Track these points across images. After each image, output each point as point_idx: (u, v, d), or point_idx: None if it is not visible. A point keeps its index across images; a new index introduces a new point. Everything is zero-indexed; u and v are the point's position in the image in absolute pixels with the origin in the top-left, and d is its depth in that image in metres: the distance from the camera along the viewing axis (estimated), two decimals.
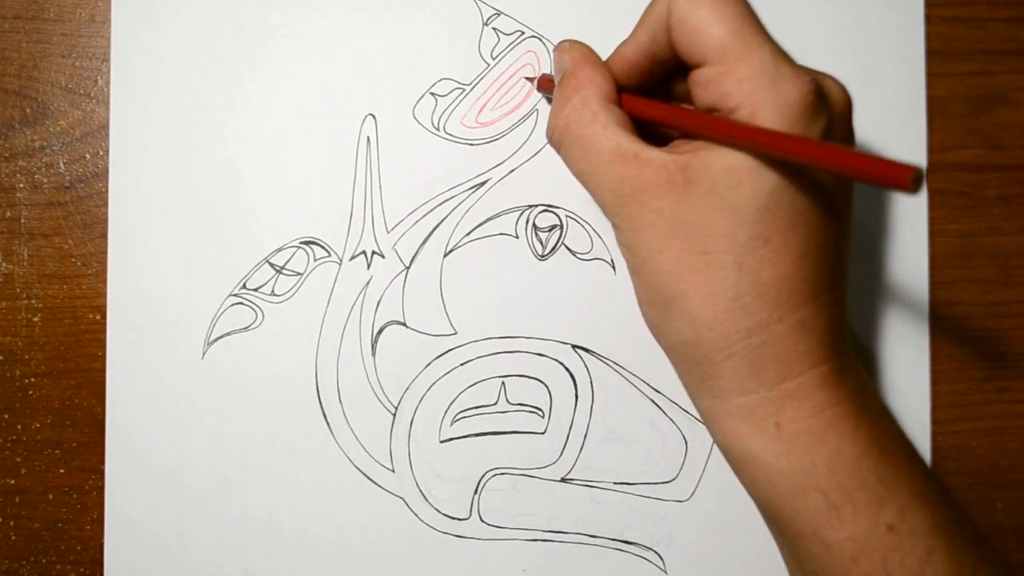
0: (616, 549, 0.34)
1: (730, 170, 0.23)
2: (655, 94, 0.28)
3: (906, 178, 0.19)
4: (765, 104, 0.23)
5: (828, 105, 0.25)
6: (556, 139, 0.27)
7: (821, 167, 0.21)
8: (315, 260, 0.33)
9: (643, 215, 0.25)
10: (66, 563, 0.33)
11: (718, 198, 0.24)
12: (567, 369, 0.34)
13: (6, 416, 0.34)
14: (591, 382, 0.34)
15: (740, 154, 0.23)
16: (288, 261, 0.33)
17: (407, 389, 0.33)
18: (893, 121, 0.34)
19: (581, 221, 0.34)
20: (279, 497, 0.33)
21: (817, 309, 0.24)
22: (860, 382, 0.26)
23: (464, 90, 0.34)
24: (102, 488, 0.33)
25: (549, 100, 0.33)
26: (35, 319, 0.33)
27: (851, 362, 0.26)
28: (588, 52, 0.28)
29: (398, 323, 0.34)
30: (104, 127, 0.33)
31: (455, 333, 0.34)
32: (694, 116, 0.25)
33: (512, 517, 0.33)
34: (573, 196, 0.34)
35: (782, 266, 0.24)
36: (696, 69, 0.25)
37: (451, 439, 0.33)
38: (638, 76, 0.27)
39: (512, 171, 0.34)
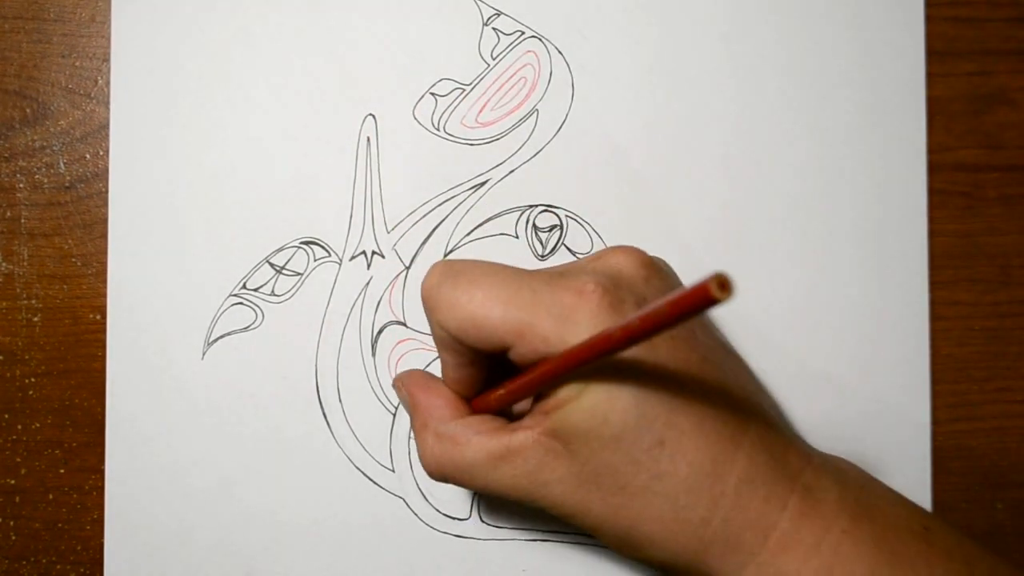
0: None
1: (589, 411, 0.24)
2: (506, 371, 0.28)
3: (708, 292, 0.18)
4: (573, 334, 0.24)
5: (624, 283, 0.25)
6: (439, 477, 0.27)
7: (642, 337, 0.20)
8: (315, 260, 0.33)
9: (555, 493, 0.25)
10: (66, 563, 0.33)
11: (597, 440, 0.24)
12: None
13: (6, 416, 0.34)
14: None
15: (588, 394, 0.24)
16: (288, 261, 0.33)
17: None
18: (893, 121, 0.34)
19: (581, 221, 0.34)
20: (279, 497, 0.33)
21: (747, 457, 0.24)
22: (836, 483, 0.25)
23: (464, 90, 0.34)
24: (102, 488, 0.33)
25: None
26: (35, 319, 0.33)
27: (816, 468, 0.25)
28: (420, 378, 0.28)
29: (398, 323, 0.34)
30: (104, 127, 0.33)
31: None
32: (529, 380, 0.25)
33: (512, 517, 0.33)
34: (573, 196, 0.34)
35: (690, 451, 0.24)
36: (508, 352, 0.25)
37: None
38: (477, 383, 0.28)
39: (512, 171, 0.34)
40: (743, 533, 0.24)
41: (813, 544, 0.24)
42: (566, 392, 0.24)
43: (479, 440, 0.26)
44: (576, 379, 0.24)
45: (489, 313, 0.24)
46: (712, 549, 0.24)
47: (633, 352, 0.24)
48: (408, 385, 0.28)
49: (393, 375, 0.33)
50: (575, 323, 0.24)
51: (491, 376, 0.28)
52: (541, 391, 0.25)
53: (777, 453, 0.25)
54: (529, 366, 0.25)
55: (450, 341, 0.26)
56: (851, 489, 0.25)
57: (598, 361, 0.22)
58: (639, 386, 0.24)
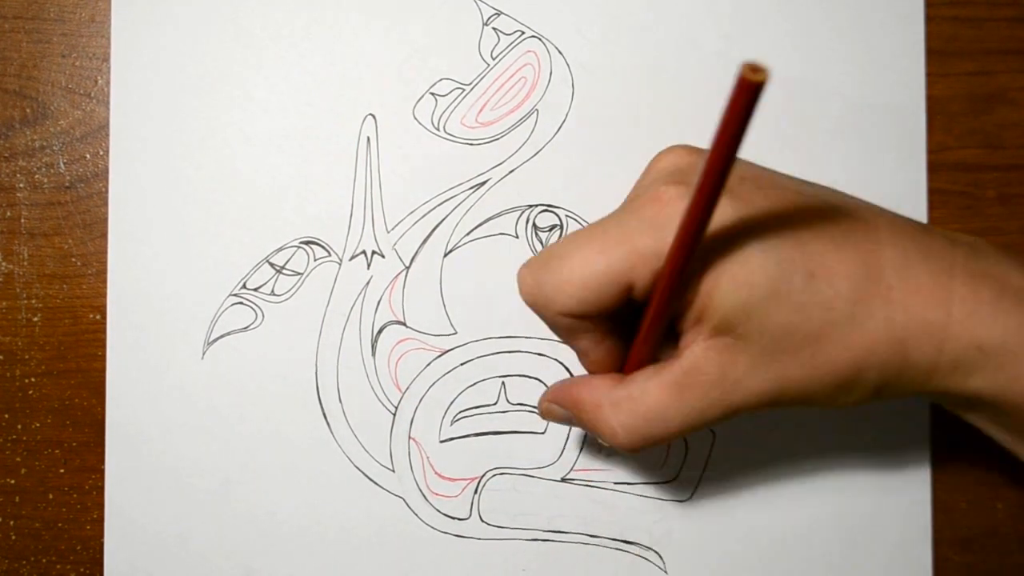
0: (616, 549, 0.34)
1: (734, 287, 0.23)
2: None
3: (747, 82, 0.18)
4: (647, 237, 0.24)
5: (686, 171, 0.25)
6: (638, 442, 0.26)
7: (722, 169, 0.20)
8: (315, 260, 0.33)
9: (751, 386, 0.24)
10: (66, 563, 0.33)
11: (758, 306, 0.23)
12: (567, 369, 0.34)
13: (6, 416, 0.34)
14: None
15: (722, 275, 0.23)
16: (288, 261, 0.33)
17: (407, 389, 0.33)
18: (893, 121, 0.34)
19: (581, 221, 0.34)
20: (279, 497, 0.33)
21: (891, 246, 0.24)
22: (986, 244, 0.25)
23: (464, 90, 0.34)
24: (102, 488, 0.33)
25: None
26: (35, 319, 0.33)
27: (957, 237, 0.25)
28: (567, 382, 0.28)
29: (398, 323, 0.34)
30: (104, 127, 0.33)
31: (455, 333, 0.34)
32: (658, 300, 0.24)
33: (512, 517, 0.33)
34: (573, 196, 0.34)
35: (839, 267, 0.24)
36: (632, 293, 0.25)
37: (451, 439, 0.33)
38: (619, 354, 0.27)
39: (512, 171, 0.34)
40: (927, 314, 0.24)
41: (993, 300, 0.24)
42: (702, 293, 0.24)
43: (653, 384, 0.25)
44: (698, 272, 0.23)
45: (595, 268, 0.24)
46: (910, 343, 0.24)
47: (729, 217, 0.23)
48: (559, 392, 0.28)
49: (393, 375, 0.33)
50: (671, 225, 0.23)
51: (625, 347, 0.27)
52: (675, 306, 0.24)
53: (916, 234, 0.25)
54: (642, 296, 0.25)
55: (578, 324, 0.25)
56: (1000, 249, 0.25)
57: (704, 227, 0.22)
58: (757, 238, 0.23)
